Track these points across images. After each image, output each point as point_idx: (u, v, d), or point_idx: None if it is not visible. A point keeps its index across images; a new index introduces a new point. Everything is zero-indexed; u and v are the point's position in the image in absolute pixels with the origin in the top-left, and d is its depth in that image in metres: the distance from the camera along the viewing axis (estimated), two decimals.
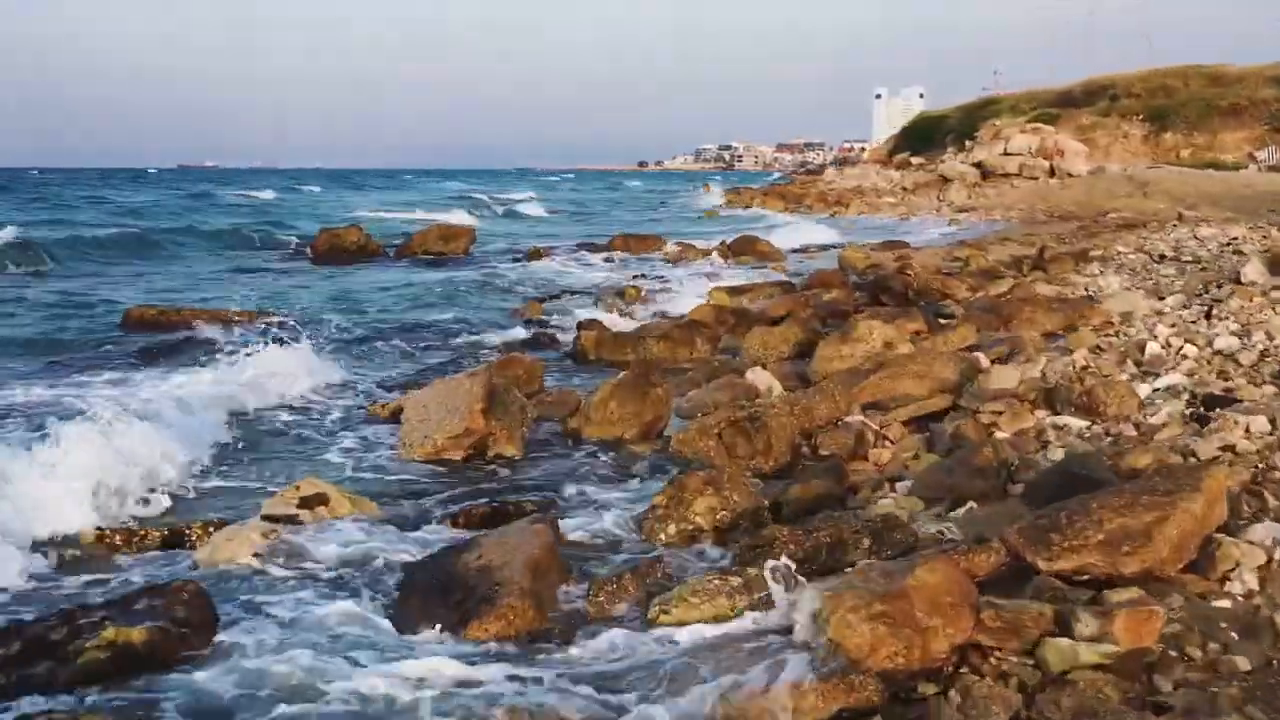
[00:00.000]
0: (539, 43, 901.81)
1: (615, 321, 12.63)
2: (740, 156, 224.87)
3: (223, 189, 57.76)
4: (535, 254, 19.16)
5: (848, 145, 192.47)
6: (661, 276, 16.75)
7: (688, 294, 15.04)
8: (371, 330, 11.49)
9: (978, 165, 41.29)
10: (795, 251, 23.84)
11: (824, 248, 25.02)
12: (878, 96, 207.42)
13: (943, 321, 11.00)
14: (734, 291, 14.46)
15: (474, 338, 10.96)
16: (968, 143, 48.65)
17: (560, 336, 11.30)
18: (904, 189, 44.39)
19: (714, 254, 21.64)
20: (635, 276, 17.23)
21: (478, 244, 24.83)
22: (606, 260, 20.09)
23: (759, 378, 8.13)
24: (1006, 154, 40.69)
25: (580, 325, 10.87)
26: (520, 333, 11.35)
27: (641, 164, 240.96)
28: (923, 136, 60.79)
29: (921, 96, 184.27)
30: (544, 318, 12.41)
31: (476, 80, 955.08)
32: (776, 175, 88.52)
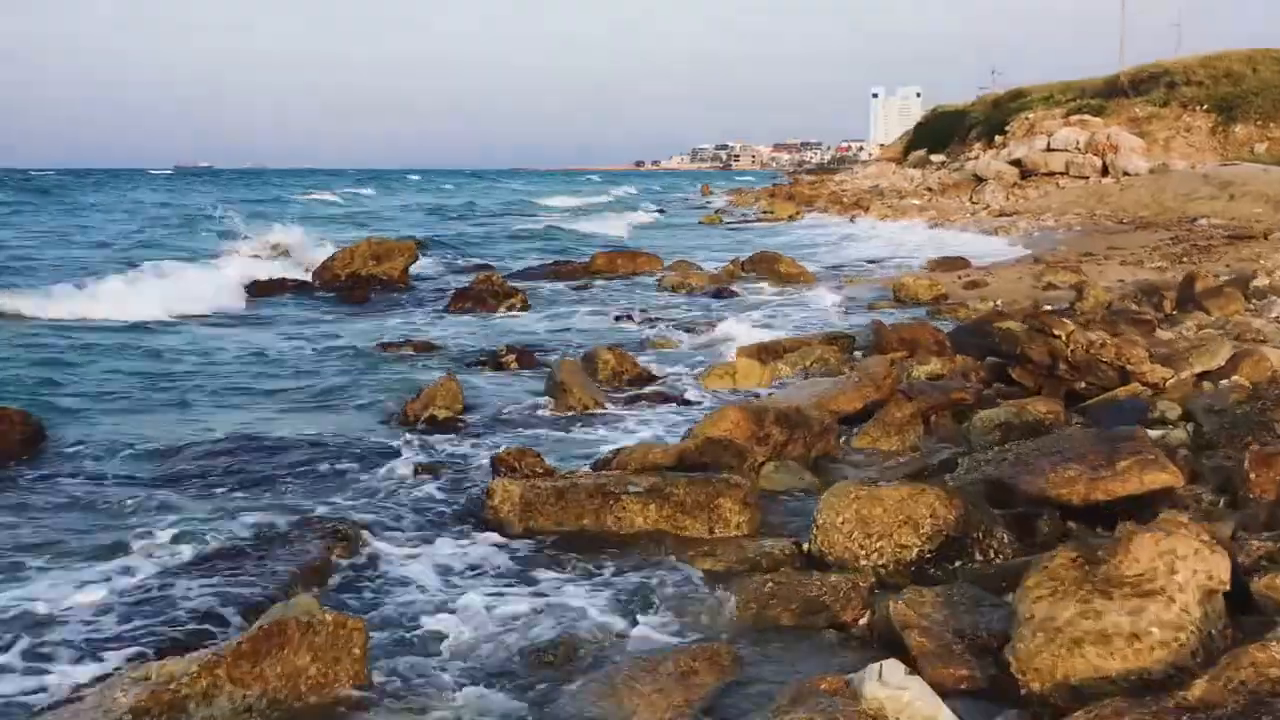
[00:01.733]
0: (534, 44, 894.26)
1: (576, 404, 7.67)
2: (737, 156, 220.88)
3: (287, 192, 54.71)
4: (487, 286, 14.10)
5: (845, 145, 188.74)
6: (657, 320, 11.76)
7: (694, 353, 10.06)
8: (124, 464, 6.46)
9: (1016, 163, 36.31)
10: (829, 269, 18.86)
11: (872, 262, 20.07)
12: (874, 96, 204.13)
13: (1155, 437, 6.03)
14: (765, 352, 9.50)
15: (293, 495, 5.88)
16: (998, 138, 43.71)
17: (470, 465, 6.31)
18: (929, 190, 39.41)
19: (723, 279, 16.69)
20: (617, 318, 12.22)
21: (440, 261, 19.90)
22: (580, 290, 15.07)
23: (896, 696, 3.13)
24: (1049, 150, 35.69)
25: (497, 463, 5.82)
26: (398, 464, 6.31)
27: (638, 164, 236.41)
28: (940, 133, 55.89)
29: (919, 96, 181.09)
30: (453, 417, 7.39)
31: (469, 80, 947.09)
32: (782, 177, 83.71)
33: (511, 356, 9.51)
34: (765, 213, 39.72)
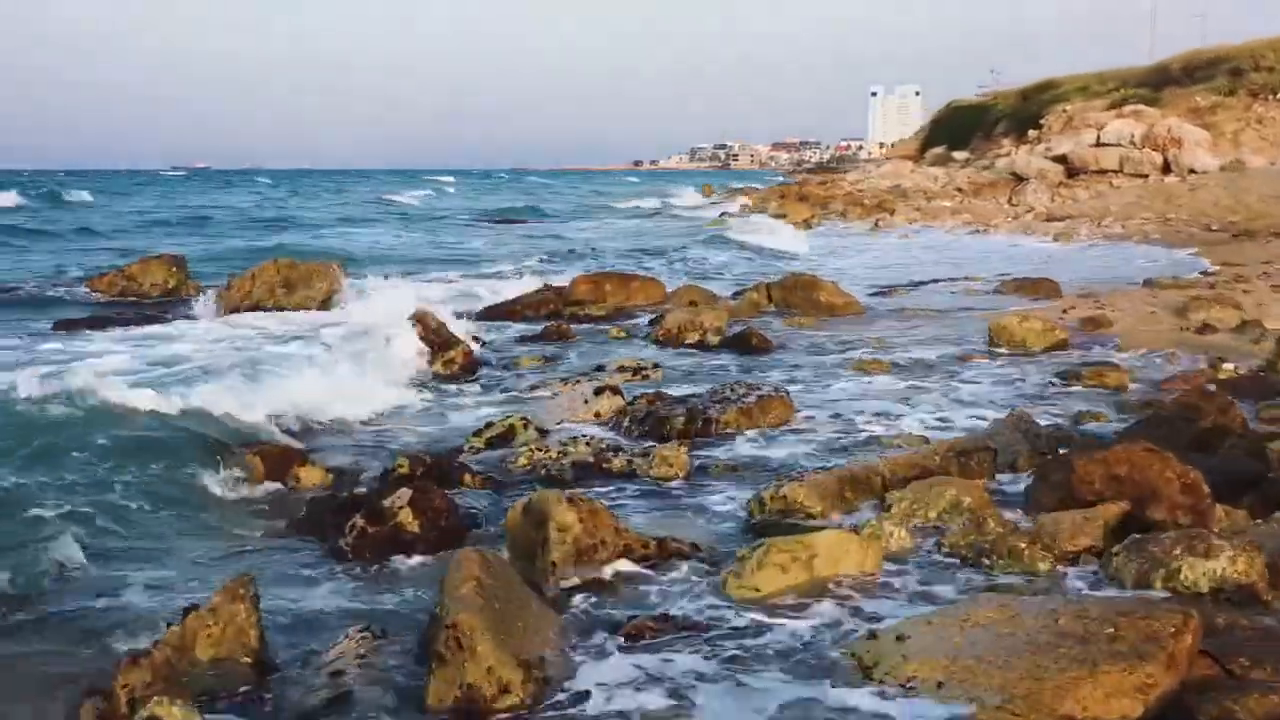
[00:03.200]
0: (531, 43, 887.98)
1: None
2: (736, 156, 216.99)
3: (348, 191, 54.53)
4: (419, 334, 9.90)
5: (844, 144, 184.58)
6: (656, 402, 7.56)
7: (726, 484, 5.91)
8: None
9: (1060, 160, 32.17)
10: (875, 295, 14.74)
11: (926, 283, 15.91)
12: (873, 95, 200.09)
13: None
14: (855, 489, 5.39)
15: None
16: (1031, 133, 39.64)
17: None
18: (960, 190, 35.26)
19: (746, 312, 12.56)
20: (598, 391, 8.04)
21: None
22: (549, 341, 10.82)
23: None
24: (1100, 145, 31.57)
25: None
26: None
27: (636, 163, 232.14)
28: (959, 129, 51.81)
29: (918, 94, 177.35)
30: None
31: (466, 79, 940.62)
32: (789, 177, 79.71)
33: (404, 496, 5.33)
34: (777, 216, 35.55)
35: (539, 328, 11.23)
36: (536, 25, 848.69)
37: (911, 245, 23.87)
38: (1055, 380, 8.51)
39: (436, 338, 9.99)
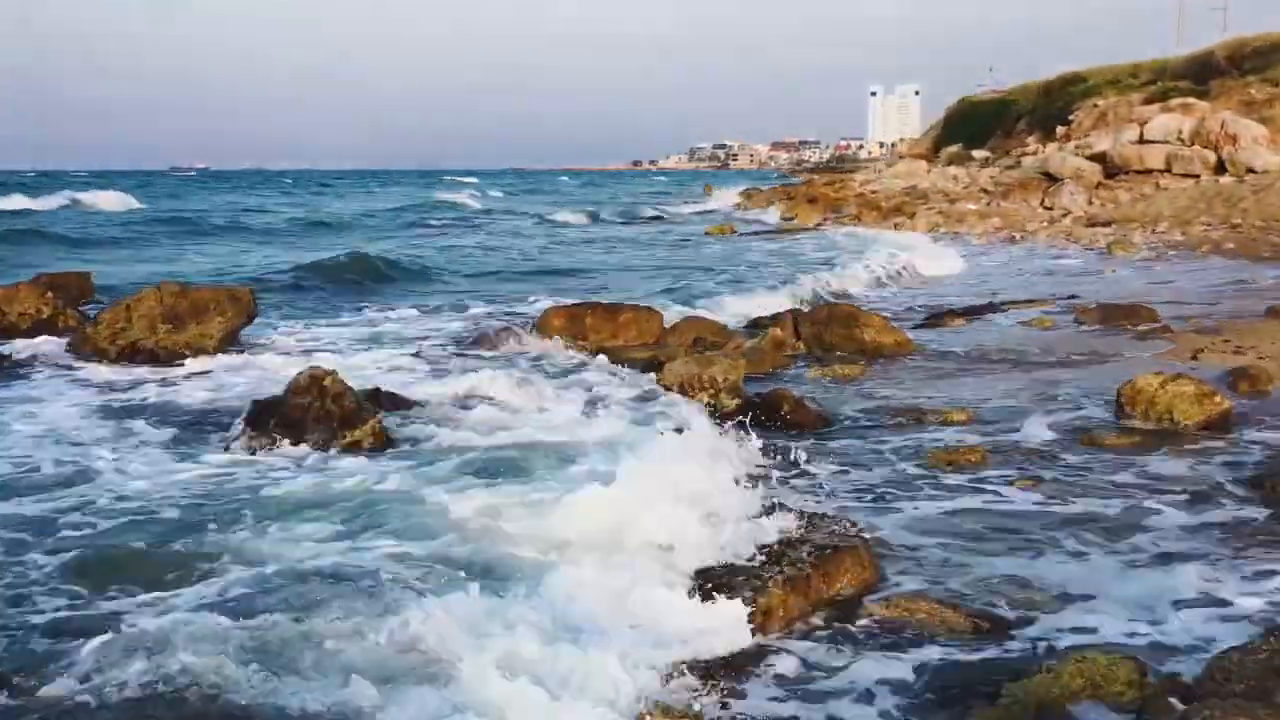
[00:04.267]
0: (530, 42, 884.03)
1: None
2: (735, 155, 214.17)
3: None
4: (314, 399, 6.98)
5: (844, 144, 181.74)
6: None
7: None
8: None
9: (1098, 158, 29.18)
10: (919, 327, 11.81)
11: (971, 312, 12.85)
12: (873, 94, 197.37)
13: None
14: None
15: None
16: (1060, 129, 36.68)
17: None
18: (985, 192, 32.26)
19: (768, 358, 9.60)
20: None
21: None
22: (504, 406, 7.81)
23: None
24: (1143, 142, 28.60)
25: None
26: None
27: (636, 163, 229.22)
28: (976, 125, 48.84)
29: (918, 94, 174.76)
30: None
31: (465, 79, 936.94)
32: (792, 177, 77.03)
33: None
34: (786, 219, 32.65)
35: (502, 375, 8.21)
36: (536, 26, 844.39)
37: (943, 254, 20.88)
38: (1259, 493, 5.55)
39: (340, 412, 7.04)
